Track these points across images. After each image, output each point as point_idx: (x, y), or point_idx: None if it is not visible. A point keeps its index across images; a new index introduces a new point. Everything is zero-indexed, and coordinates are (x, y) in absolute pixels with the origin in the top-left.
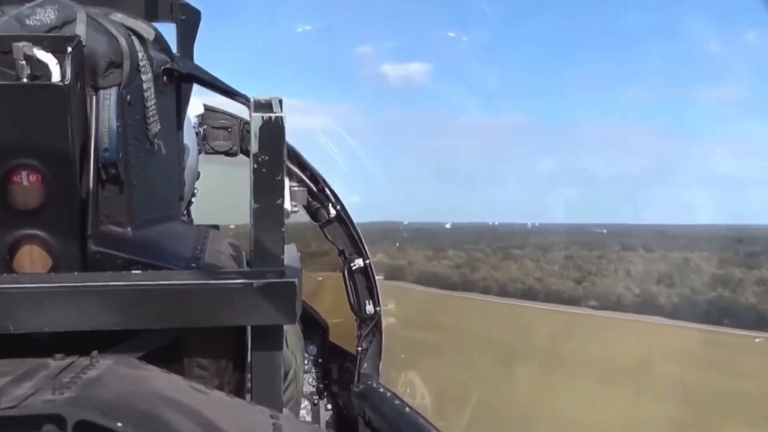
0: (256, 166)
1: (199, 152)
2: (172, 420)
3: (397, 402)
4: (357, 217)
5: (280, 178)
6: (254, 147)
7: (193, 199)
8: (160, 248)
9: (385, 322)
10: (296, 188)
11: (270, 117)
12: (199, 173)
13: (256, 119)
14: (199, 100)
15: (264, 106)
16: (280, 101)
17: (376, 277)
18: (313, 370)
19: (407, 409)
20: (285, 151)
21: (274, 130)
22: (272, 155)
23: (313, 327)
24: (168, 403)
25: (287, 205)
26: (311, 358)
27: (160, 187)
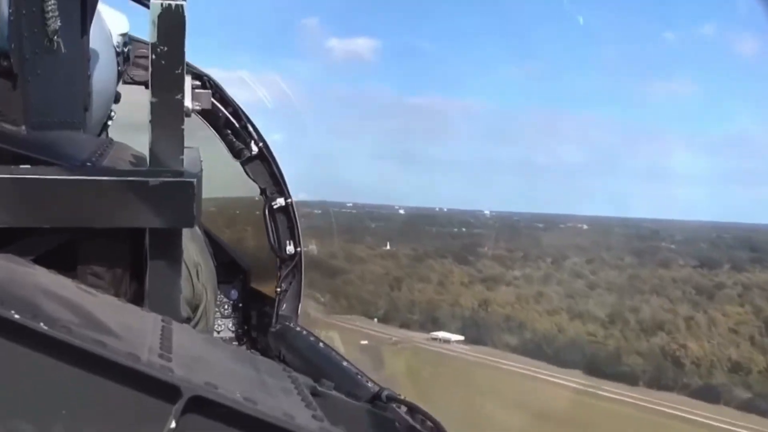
0: (154, 57)
1: (120, 75)
2: (47, 308)
3: (311, 339)
4: (298, 196)
5: (180, 71)
6: (152, 36)
7: (109, 122)
8: (55, 149)
9: None
10: (200, 91)
11: (170, 5)
12: (119, 94)
13: (154, 7)
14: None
15: None
16: None
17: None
18: (233, 314)
19: (321, 344)
20: (185, 43)
21: (173, 19)
22: (171, 46)
23: (234, 270)
24: (47, 294)
25: (188, 102)
26: (231, 302)
27: (59, 89)
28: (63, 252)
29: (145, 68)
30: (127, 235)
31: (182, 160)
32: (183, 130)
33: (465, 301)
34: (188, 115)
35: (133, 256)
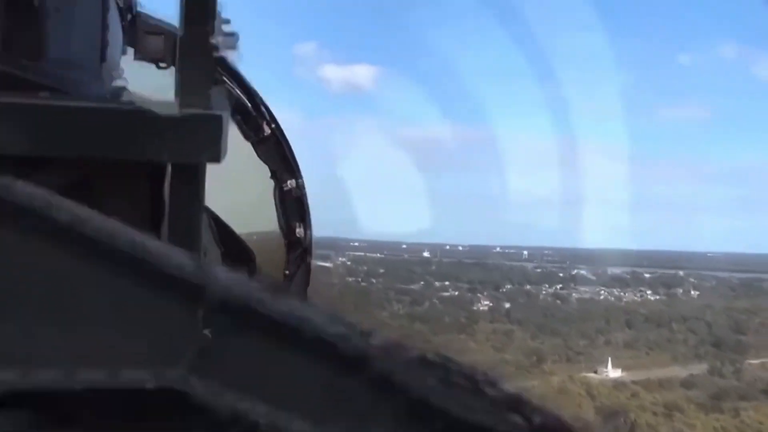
0: None
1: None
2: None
3: None
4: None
5: (209, 2)
6: None
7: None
8: (73, 84)
9: None
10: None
11: None
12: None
13: None
14: None
15: None
16: None
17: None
18: None
19: None
20: None
21: None
22: None
23: (242, 258)
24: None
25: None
26: None
27: (78, 32)
28: (79, 188)
29: (157, 44)
30: (146, 172)
31: (209, 94)
32: (213, 62)
33: None
34: (217, 50)
35: (152, 194)
